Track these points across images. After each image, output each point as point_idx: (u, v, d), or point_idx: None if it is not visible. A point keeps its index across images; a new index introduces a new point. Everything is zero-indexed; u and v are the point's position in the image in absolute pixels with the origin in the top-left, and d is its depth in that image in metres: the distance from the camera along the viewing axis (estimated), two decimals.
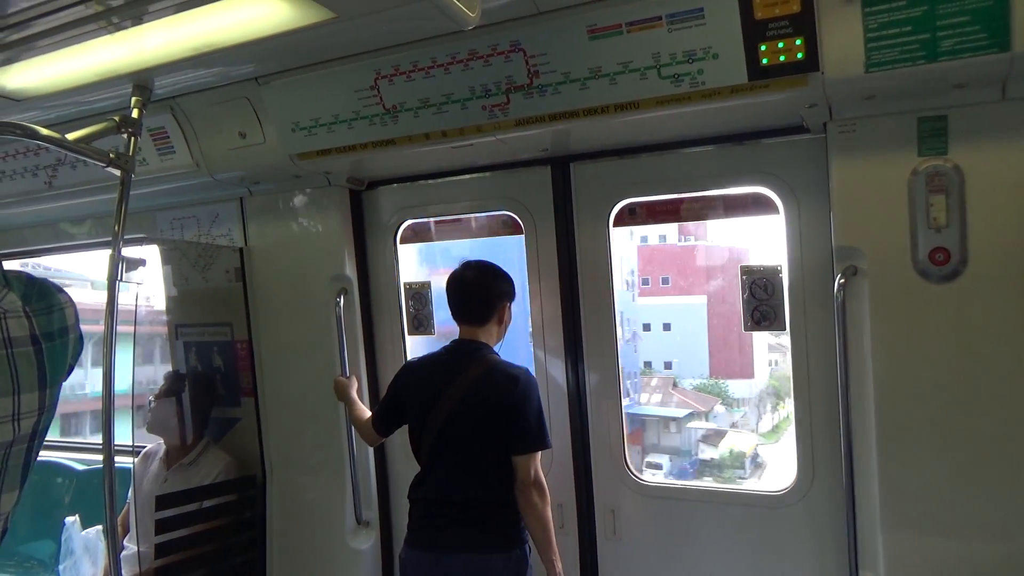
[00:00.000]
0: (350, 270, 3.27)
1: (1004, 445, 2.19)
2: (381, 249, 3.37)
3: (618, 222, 2.97)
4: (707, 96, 2.25)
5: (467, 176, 3.20)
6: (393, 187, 3.34)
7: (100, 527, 3.54)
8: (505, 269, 2.84)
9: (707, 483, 2.93)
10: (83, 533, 3.52)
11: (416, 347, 3.39)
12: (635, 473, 2.99)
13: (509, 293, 2.82)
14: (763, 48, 2.10)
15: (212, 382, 3.52)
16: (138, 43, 2.04)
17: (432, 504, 2.68)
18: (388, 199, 3.35)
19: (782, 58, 2.09)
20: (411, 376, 2.83)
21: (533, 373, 2.75)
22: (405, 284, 3.37)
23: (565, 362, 3.03)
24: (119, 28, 1.95)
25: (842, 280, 2.34)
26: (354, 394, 3.09)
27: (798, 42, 2.05)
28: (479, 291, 2.76)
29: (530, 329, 3.16)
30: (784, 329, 2.66)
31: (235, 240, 3.43)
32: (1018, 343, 2.16)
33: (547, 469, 3.02)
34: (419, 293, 3.35)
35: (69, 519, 3.54)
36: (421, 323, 3.37)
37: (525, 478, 2.61)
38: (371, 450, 3.29)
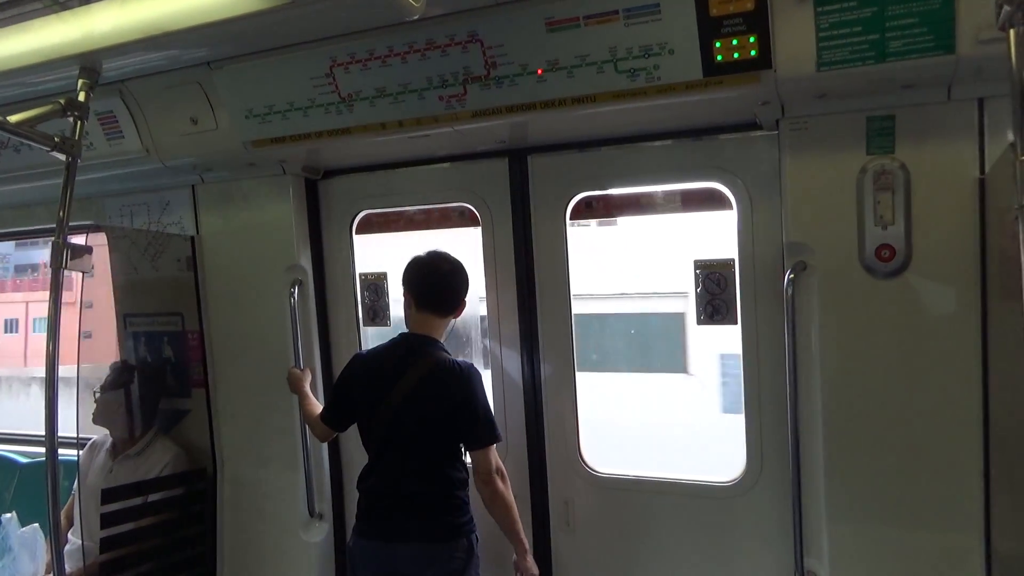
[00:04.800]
0: (305, 260, 3.23)
1: (946, 437, 2.26)
2: (337, 239, 3.33)
3: (575, 215, 2.98)
4: (663, 91, 2.27)
5: (424, 167, 3.18)
6: (349, 176, 3.30)
7: (36, 524, 3.45)
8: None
9: (660, 475, 2.96)
10: (20, 531, 3.42)
11: (371, 339, 3.37)
12: (589, 465, 3.02)
13: (468, 288, 2.86)
14: (717, 45, 2.13)
15: (161, 373, 3.44)
16: (86, 23, 1.99)
17: (380, 495, 2.70)
18: (344, 189, 3.31)
19: (736, 55, 2.12)
20: (360, 369, 2.82)
21: (476, 366, 2.76)
22: (361, 275, 3.34)
23: (520, 354, 3.04)
24: (65, 7, 1.90)
25: (791, 275, 2.38)
26: (307, 388, 3.06)
27: (751, 39, 2.09)
28: (451, 286, 2.80)
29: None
30: (736, 323, 2.71)
31: (186, 228, 3.36)
32: (959, 338, 2.22)
33: (502, 461, 3.03)
34: (375, 284, 3.32)
35: (6, 516, 3.44)
36: (377, 314, 3.34)
37: (488, 468, 2.65)
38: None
